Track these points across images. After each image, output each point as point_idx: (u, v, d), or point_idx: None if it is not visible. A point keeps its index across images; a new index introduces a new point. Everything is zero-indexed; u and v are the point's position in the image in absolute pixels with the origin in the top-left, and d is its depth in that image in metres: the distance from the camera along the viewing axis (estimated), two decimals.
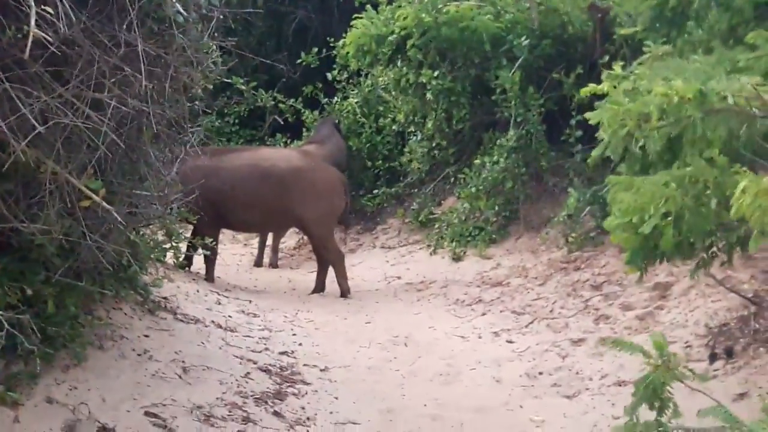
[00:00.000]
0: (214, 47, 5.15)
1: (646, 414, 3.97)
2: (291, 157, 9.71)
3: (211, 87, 5.63)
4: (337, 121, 11.77)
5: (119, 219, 4.39)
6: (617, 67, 4.85)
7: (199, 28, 4.77)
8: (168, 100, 4.66)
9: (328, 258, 9.39)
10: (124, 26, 4.01)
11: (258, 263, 11.16)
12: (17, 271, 4.88)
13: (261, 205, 9.22)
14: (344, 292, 9.24)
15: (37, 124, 3.87)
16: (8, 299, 4.72)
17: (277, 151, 10.93)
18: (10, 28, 3.83)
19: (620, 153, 4.16)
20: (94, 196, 4.19)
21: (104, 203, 4.16)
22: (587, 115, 4.56)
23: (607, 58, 9.21)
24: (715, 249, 4.81)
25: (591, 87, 4.80)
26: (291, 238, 11.97)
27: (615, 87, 4.53)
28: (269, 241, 11.19)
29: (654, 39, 5.96)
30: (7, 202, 4.54)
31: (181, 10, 4.02)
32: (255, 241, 11.60)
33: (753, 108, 3.79)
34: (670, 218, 3.86)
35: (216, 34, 5.07)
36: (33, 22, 3.52)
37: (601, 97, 4.83)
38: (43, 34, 3.54)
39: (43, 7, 3.61)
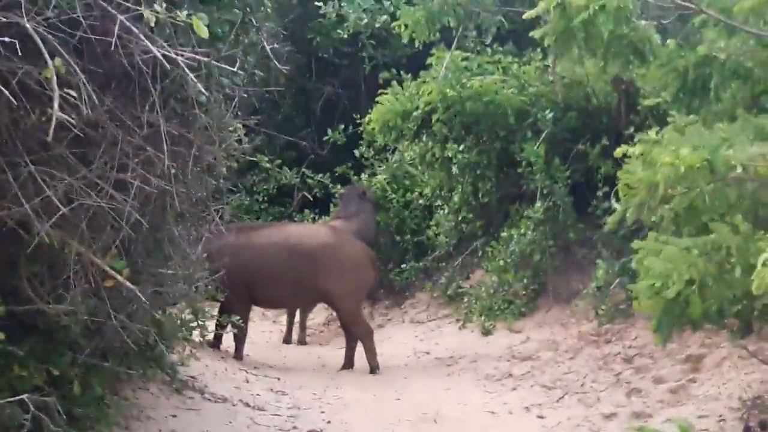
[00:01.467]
0: (239, 126, 5.21)
1: None
2: (319, 233, 9.74)
3: (235, 165, 5.67)
4: (363, 191, 11.76)
5: (143, 298, 4.40)
6: (652, 133, 4.85)
7: (222, 107, 4.81)
8: (191, 180, 4.68)
9: (356, 333, 9.35)
10: (147, 107, 4.06)
11: (287, 340, 11.12)
12: (43, 353, 4.89)
13: (289, 281, 9.22)
14: (373, 368, 9.17)
15: (61, 206, 3.90)
16: (34, 381, 4.73)
17: (305, 227, 10.97)
18: (34, 112, 3.87)
19: (635, 220, 4.15)
20: (117, 276, 4.21)
21: (128, 283, 4.16)
22: (619, 173, 4.56)
23: (632, 129, 9.23)
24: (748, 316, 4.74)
25: (624, 148, 4.79)
26: (319, 314, 11.94)
27: (650, 150, 4.51)
28: (297, 317, 11.17)
29: (678, 109, 5.98)
30: (32, 283, 4.57)
31: (204, 91, 4.06)
32: (284, 318, 11.56)
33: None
34: (694, 286, 3.82)
35: (239, 113, 5.12)
36: (56, 105, 3.56)
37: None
38: (67, 117, 3.58)
39: (66, 90, 3.66)
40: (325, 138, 13.23)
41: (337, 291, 9.26)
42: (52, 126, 3.60)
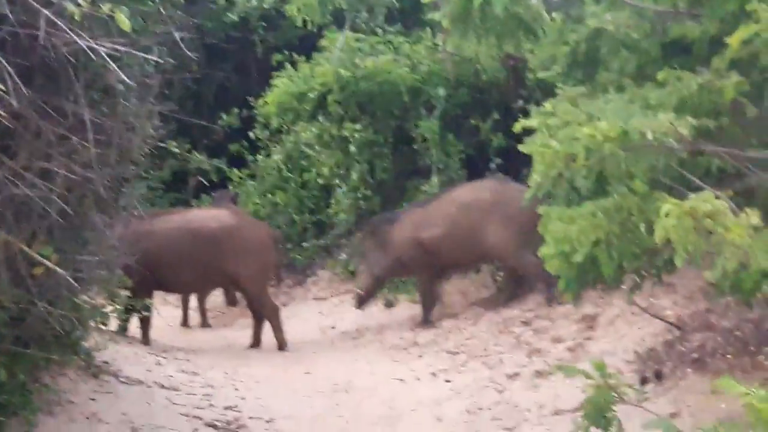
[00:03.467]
0: (154, 113, 5.33)
1: None
2: (220, 216, 9.84)
3: (147, 151, 5.78)
4: (234, 195, 11.94)
5: (73, 283, 4.51)
6: (547, 104, 5.13)
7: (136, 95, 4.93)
8: (111, 166, 4.80)
9: (263, 313, 9.52)
10: (71, 97, 4.17)
11: (184, 323, 11.21)
12: None
13: (193, 265, 9.30)
14: (281, 345, 9.36)
15: None
16: None
17: (206, 211, 11.05)
18: None
19: (552, 191, 4.44)
20: (47, 262, 4.31)
21: (58, 269, 4.27)
22: (520, 146, 4.82)
23: (521, 102, 9.62)
24: (644, 273, 5.10)
25: (522, 122, 5.06)
26: (217, 296, 12.05)
27: (545, 122, 4.79)
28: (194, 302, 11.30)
29: (567, 82, 6.29)
30: None
31: (125, 79, 4.19)
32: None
33: (670, 141, 4.11)
34: (602, 245, 4.15)
35: (152, 101, 5.24)
36: None
37: (532, 132, 5.09)
38: None
39: None
40: (220, 122, 13.29)
41: (243, 272, 9.39)
42: None
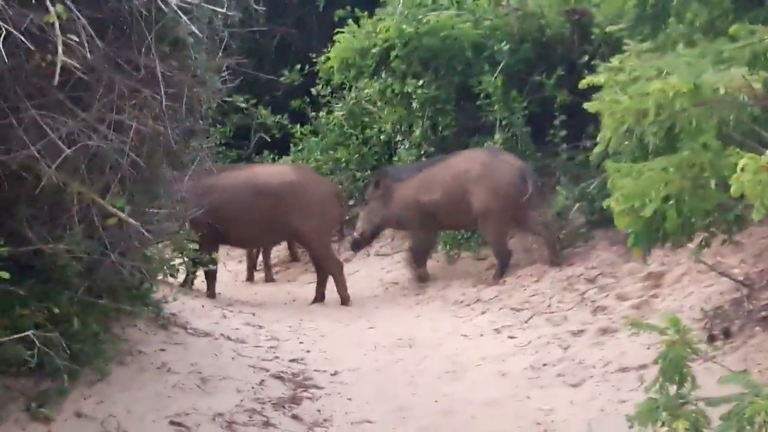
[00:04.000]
0: (224, 67, 5.36)
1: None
2: (283, 172, 9.90)
3: (214, 106, 5.83)
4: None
5: (145, 234, 4.58)
6: (615, 60, 5.07)
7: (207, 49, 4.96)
8: (180, 120, 4.85)
9: (327, 268, 9.59)
10: (142, 50, 4.21)
11: (250, 278, 11.35)
12: (42, 292, 5.06)
13: (257, 220, 9.39)
14: (345, 300, 9.43)
15: (64, 148, 4.06)
16: (35, 319, 4.91)
17: (270, 166, 11.13)
18: (34, 57, 4.00)
19: (620, 148, 4.39)
20: (120, 213, 4.39)
21: (131, 220, 4.34)
22: (586, 105, 4.77)
23: (586, 58, 9.50)
24: (714, 229, 5.04)
25: (588, 79, 5.00)
26: (282, 251, 12.16)
27: (613, 79, 4.74)
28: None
29: (634, 37, 6.20)
30: (32, 225, 4.73)
31: (196, 31, 4.22)
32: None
33: (743, 96, 4.04)
34: (671, 201, 4.10)
35: (220, 55, 5.28)
36: (60, 50, 3.70)
37: (597, 89, 5.03)
38: (71, 62, 3.72)
39: (68, 35, 3.80)
40: (282, 78, 13.30)
41: (305, 228, 9.45)
42: (57, 70, 3.75)
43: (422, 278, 9.88)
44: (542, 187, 9.89)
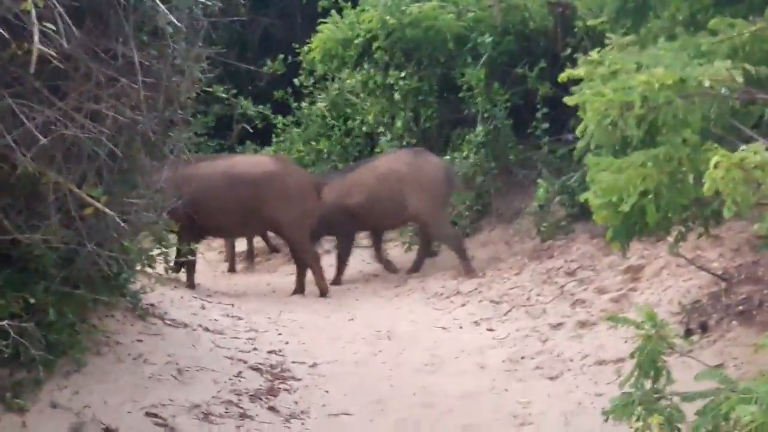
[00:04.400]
0: (204, 57, 5.33)
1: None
2: (262, 162, 9.86)
3: (194, 96, 5.79)
4: None
5: (121, 224, 4.55)
6: (594, 53, 5.07)
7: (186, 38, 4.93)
8: (159, 109, 4.82)
9: (305, 259, 9.57)
10: (120, 39, 4.18)
11: (232, 269, 11.32)
12: (18, 282, 5.02)
13: (235, 210, 9.34)
14: (323, 292, 9.42)
15: (40, 137, 4.02)
16: (11, 309, 4.87)
17: (249, 156, 11.09)
18: (10, 45, 3.97)
19: (603, 141, 4.38)
20: (96, 203, 4.35)
21: (107, 210, 4.31)
22: (566, 99, 4.76)
23: (569, 50, 9.50)
24: (690, 224, 5.06)
25: (568, 72, 5.00)
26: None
27: (593, 72, 4.74)
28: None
29: (615, 30, 6.20)
30: (7, 214, 4.69)
31: (174, 20, 4.19)
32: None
33: (723, 89, 4.05)
34: (650, 196, 4.11)
35: (200, 45, 5.24)
36: (37, 38, 3.67)
37: (577, 82, 5.03)
38: (47, 50, 3.69)
39: (44, 23, 3.76)
40: (264, 68, 13.25)
41: (283, 219, 9.43)
42: (34, 59, 3.71)
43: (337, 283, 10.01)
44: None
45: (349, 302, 9.09)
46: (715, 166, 3.52)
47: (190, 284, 9.45)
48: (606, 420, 4.11)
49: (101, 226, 4.98)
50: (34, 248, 4.83)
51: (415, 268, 9.94)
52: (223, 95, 10.71)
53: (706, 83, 3.98)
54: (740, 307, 6.29)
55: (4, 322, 4.52)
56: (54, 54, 3.77)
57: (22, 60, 3.99)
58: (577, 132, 4.70)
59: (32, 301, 4.99)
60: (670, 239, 5.58)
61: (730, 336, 6.06)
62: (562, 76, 5.36)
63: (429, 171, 9.62)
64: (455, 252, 9.53)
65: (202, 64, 5.40)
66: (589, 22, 7.55)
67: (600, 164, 4.39)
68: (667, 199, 4.11)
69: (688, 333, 6.25)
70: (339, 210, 9.90)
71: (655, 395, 3.88)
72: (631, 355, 4.04)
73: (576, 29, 9.51)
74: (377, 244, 10.42)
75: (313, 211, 9.64)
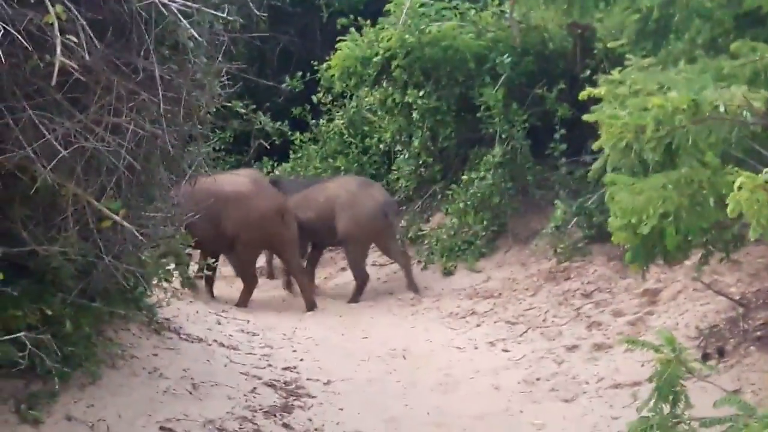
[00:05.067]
0: (223, 72, 5.34)
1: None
2: (236, 181, 9.79)
3: (213, 111, 5.81)
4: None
5: (139, 238, 4.56)
6: (615, 73, 5.06)
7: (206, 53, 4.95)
8: (179, 123, 4.83)
9: (242, 279, 9.85)
10: (141, 53, 4.19)
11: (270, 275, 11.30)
12: (35, 293, 5.04)
13: (207, 226, 9.02)
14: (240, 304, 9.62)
15: (60, 149, 4.03)
16: (28, 320, 4.88)
17: (233, 175, 10.82)
18: (33, 57, 3.99)
19: (619, 164, 4.36)
20: (114, 216, 4.36)
21: (125, 223, 4.32)
22: (585, 116, 4.76)
23: (588, 72, 9.49)
24: (711, 247, 5.03)
25: (588, 91, 5.00)
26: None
27: (613, 91, 4.73)
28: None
29: (635, 52, 6.20)
30: (26, 226, 4.71)
31: (196, 35, 4.20)
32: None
33: (745, 114, 4.03)
34: (669, 218, 4.08)
35: (220, 59, 5.26)
36: (59, 51, 3.68)
37: (596, 102, 5.02)
38: (69, 62, 3.70)
39: (67, 36, 3.78)
40: (283, 85, 13.28)
41: (242, 237, 9.51)
42: (55, 71, 3.73)
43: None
44: (400, 219, 10.95)
45: (364, 320, 9.07)
46: (739, 188, 3.49)
47: (210, 295, 9.59)
48: None
49: (119, 239, 4.99)
50: (51, 260, 4.85)
51: (411, 286, 10.02)
52: (242, 110, 10.75)
53: (722, 108, 3.96)
54: (758, 333, 6.26)
55: (21, 334, 4.52)
56: (75, 66, 3.78)
57: (43, 72, 4.00)
58: (594, 147, 4.69)
59: (49, 312, 5.01)
60: (689, 263, 5.55)
61: (747, 361, 6.02)
62: (583, 95, 5.36)
63: (364, 203, 10.04)
64: (355, 286, 10.04)
65: (222, 79, 5.41)
66: (609, 44, 7.56)
67: (618, 182, 4.37)
68: (687, 222, 4.09)
69: (705, 357, 6.21)
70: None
71: (674, 420, 3.85)
72: (650, 379, 4.01)
73: (595, 51, 9.49)
74: (314, 261, 10.78)
75: (271, 234, 9.69)
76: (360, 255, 10.15)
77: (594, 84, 5.58)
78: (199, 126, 5.28)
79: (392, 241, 10.21)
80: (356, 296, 9.96)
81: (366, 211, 9.99)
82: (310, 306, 9.56)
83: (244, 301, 9.74)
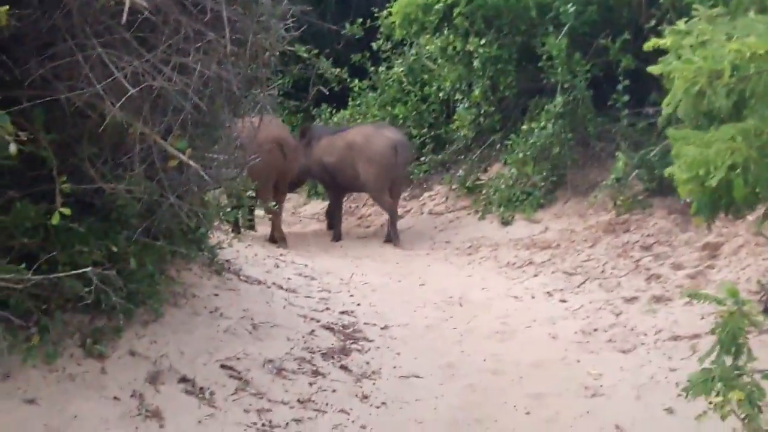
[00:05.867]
0: (288, 14, 5.33)
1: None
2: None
3: (277, 53, 5.80)
4: None
5: (205, 177, 4.60)
6: (681, 24, 4.95)
7: None
8: (243, 65, 4.85)
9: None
10: None
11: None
12: (101, 230, 5.11)
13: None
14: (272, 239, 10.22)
15: (129, 87, 4.07)
16: (93, 257, 4.95)
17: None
18: None
19: (690, 111, 4.28)
20: (181, 155, 4.39)
21: (192, 162, 4.35)
22: (650, 68, 4.67)
23: (653, 22, 9.32)
24: None
25: (654, 41, 4.90)
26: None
27: (679, 42, 4.63)
28: None
29: (703, 2, 6.06)
30: (93, 163, 4.77)
31: None
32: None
33: None
34: (738, 170, 4.01)
35: (285, 1, 5.25)
36: None
37: (661, 53, 4.93)
38: (139, 1, 3.72)
39: None
40: (343, 32, 13.24)
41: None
42: (125, 9, 3.75)
43: (337, 238, 10.96)
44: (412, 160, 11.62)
45: (420, 268, 9.10)
46: None
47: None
48: (682, 395, 4.06)
49: (183, 179, 5.04)
50: (117, 198, 4.91)
51: (393, 237, 10.48)
52: (305, 54, 10.76)
53: None
54: None
55: (88, 269, 4.58)
56: (145, 5, 3.80)
57: (113, 10, 4.04)
58: (663, 103, 4.61)
59: (114, 249, 5.06)
60: (751, 218, 5.47)
61: None
62: (648, 45, 5.25)
63: (377, 144, 10.47)
64: (389, 221, 10.54)
65: (286, 22, 5.40)
66: None
67: (685, 138, 4.30)
68: (755, 174, 4.01)
69: (767, 311, 6.14)
70: (319, 165, 11.02)
71: (736, 372, 3.81)
72: (711, 331, 3.97)
73: (661, 1, 9.32)
74: (338, 204, 11.43)
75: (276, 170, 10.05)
76: (382, 191, 10.55)
77: (659, 35, 5.47)
78: (263, 69, 5.28)
79: (397, 181, 10.69)
80: (394, 235, 10.42)
81: (378, 148, 10.44)
82: (275, 239, 10.19)
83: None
